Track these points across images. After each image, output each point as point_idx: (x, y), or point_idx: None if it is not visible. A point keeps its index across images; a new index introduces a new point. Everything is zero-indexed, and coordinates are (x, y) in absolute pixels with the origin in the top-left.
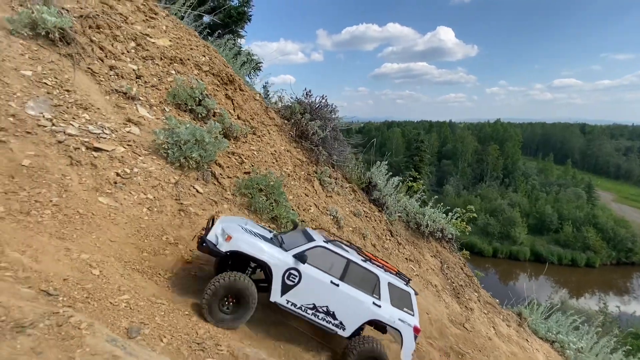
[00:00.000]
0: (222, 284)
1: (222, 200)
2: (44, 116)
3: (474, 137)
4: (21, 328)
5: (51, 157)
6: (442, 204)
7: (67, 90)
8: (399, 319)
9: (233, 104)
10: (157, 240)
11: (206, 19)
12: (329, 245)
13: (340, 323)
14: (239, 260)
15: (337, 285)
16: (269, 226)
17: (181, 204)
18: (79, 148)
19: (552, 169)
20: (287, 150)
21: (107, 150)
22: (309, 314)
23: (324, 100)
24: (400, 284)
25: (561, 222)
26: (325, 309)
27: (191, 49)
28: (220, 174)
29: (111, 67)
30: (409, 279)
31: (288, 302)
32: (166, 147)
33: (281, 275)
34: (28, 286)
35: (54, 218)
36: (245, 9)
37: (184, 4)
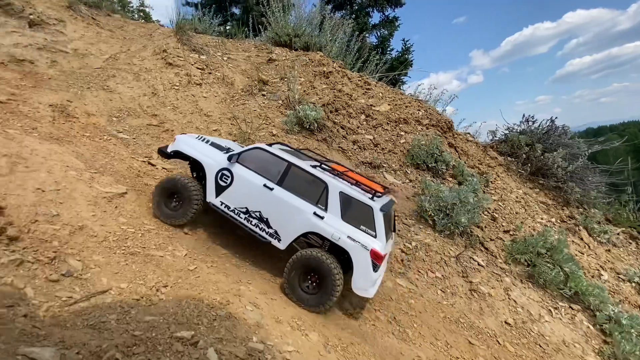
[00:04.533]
0: (160, 186)
1: (498, 271)
2: None
3: None
4: None
5: None
6: None
7: None
8: (348, 237)
9: (457, 151)
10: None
11: (372, 78)
12: (269, 148)
13: (275, 232)
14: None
15: (272, 189)
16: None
17: (470, 282)
18: None
19: None
20: (525, 193)
21: None
22: (241, 218)
23: (550, 124)
24: (360, 195)
25: None
26: (258, 214)
27: (406, 106)
28: (482, 236)
29: (354, 142)
30: (375, 193)
31: (222, 203)
32: (432, 214)
33: (214, 175)
34: None
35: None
36: (407, 56)
37: (372, 69)
